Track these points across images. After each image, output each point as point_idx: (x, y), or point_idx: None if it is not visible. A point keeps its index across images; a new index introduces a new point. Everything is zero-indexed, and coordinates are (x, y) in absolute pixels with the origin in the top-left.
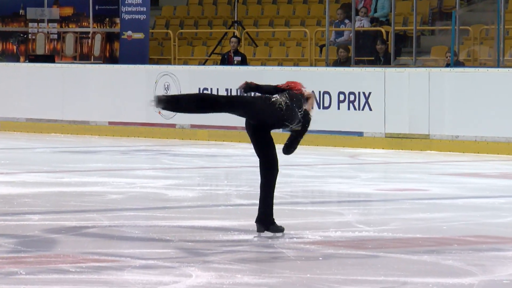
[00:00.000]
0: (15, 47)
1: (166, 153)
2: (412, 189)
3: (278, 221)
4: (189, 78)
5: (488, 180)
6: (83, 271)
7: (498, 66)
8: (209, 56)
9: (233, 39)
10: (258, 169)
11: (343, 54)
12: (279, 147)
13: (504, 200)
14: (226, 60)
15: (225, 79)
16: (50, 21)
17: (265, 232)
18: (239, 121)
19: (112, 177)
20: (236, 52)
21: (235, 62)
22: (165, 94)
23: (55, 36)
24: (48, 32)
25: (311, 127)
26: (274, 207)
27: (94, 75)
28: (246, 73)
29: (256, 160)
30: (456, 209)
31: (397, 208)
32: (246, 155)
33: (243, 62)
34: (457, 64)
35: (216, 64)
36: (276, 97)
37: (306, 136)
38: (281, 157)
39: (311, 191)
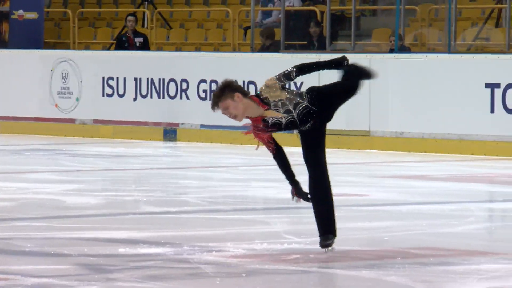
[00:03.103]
0: None
1: (64, 153)
2: (349, 194)
3: (193, 231)
4: (91, 66)
5: (437, 184)
6: None
7: (449, 51)
8: (115, 39)
9: (130, 18)
10: (171, 172)
11: (266, 41)
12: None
13: (454, 206)
14: (125, 43)
15: (134, 66)
16: None
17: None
18: (149, 116)
19: (0, 182)
20: (136, 33)
21: (137, 44)
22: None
23: None
24: None
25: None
26: (190, 215)
27: None
28: (160, 59)
29: (166, 161)
30: (400, 217)
31: None
32: (158, 155)
33: (145, 43)
34: (402, 49)
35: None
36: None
37: (225, 134)
38: (197, 158)
39: (233, 196)
